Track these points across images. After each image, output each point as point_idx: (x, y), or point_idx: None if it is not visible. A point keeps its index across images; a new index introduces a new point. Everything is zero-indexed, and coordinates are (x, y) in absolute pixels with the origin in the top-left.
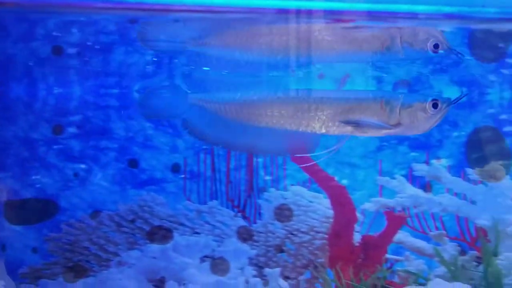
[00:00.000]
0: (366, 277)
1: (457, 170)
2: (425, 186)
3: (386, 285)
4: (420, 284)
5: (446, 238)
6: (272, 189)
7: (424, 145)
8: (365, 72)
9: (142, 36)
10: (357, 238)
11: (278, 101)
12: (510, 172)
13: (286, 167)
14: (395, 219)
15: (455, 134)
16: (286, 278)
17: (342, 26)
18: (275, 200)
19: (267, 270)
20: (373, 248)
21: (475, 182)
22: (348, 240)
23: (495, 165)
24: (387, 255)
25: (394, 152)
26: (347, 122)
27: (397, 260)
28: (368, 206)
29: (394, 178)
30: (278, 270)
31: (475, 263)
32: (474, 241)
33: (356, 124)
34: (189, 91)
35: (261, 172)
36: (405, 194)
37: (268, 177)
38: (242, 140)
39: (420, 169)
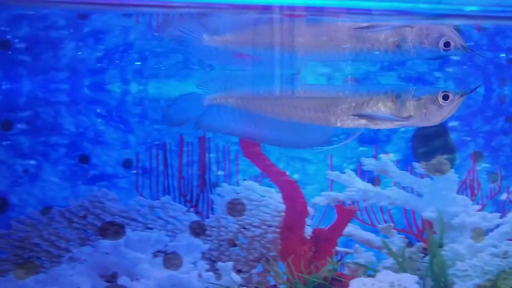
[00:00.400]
0: (317, 269)
1: (404, 164)
2: (374, 180)
3: (337, 277)
4: (369, 276)
5: (394, 231)
6: (225, 184)
7: (373, 140)
8: (315, 69)
9: (165, 27)
10: (308, 231)
11: (295, 95)
12: (455, 166)
13: (239, 163)
14: (345, 213)
15: (402, 129)
16: (238, 271)
17: (355, 26)
18: (228, 195)
19: (219, 264)
20: (323, 241)
21: (421, 176)
22: (300, 234)
23: (440, 159)
24: (338, 248)
25: (344, 147)
26: (360, 116)
27: (347, 253)
28: (319, 200)
29: (344, 173)
30: (230, 264)
31: (421, 254)
32: (420, 233)
33: (369, 118)
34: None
35: (214, 168)
36: (355, 188)
37: (220, 172)
38: (262, 131)
39: (369, 163)
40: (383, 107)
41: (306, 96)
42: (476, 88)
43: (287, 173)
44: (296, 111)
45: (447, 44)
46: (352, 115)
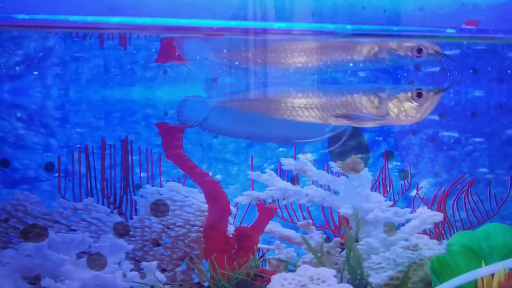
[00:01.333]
0: (240, 266)
1: (321, 163)
2: (293, 179)
3: (259, 273)
4: (290, 271)
5: (312, 227)
6: (148, 186)
7: None
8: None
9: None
10: (231, 229)
11: (284, 96)
12: (368, 165)
13: (161, 164)
14: (266, 211)
15: None
16: (163, 270)
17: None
18: (151, 196)
19: (144, 264)
20: (246, 239)
21: (337, 175)
22: (223, 232)
23: (355, 159)
24: (259, 245)
25: (264, 148)
26: (338, 116)
27: (268, 249)
28: (241, 199)
29: (264, 173)
30: (155, 263)
31: (339, 249)
32: (337, 228)
33: (347, 117)
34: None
35: (137, 169)
36: (275, 187)
37: (143, 174)
38: (257, 130)
39: (288, 163)
40: (361, 106)
41: (295, 96)
42: (450, 86)
43: (210, 173)
44: (289, 109)
45: (419, 51)
46: (335, 116)
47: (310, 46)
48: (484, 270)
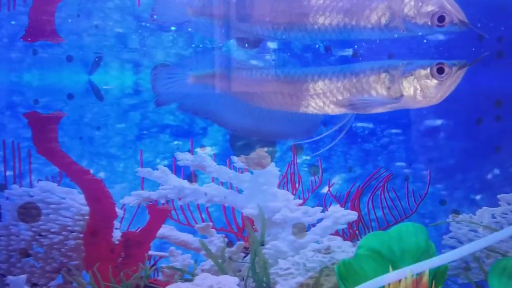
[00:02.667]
0: (127, 277)
1: (223, 158)
2: (190, 176)
3: (150, 284)
4: (186, 280)
5: (212, 230)
6: (15, 186)
7: (188, 133)
8: (119, 55)
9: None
10: (117, 235)
11: (277, 80)
12: (275, 159)
13: (32, 161)
14: (159, 213)
15: None
16: (33, 285)
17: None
18: (19, 198)
19: (10, 278)
20: (135, 245)
21: (241, 170)
22: (107, 238)
23: (260, 153)
24: (150, 252)
25: (156, 141)
26: (340, 104)
27: (161, 257)
28: (129, 200)
29: (156, 169)
30: (23, 277)
31: (242, 254)
32: (241, 231)
33: (352, 106)
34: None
35: (0, 167)
36: (169, 185)
37: (9, 172)
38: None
39: (184, 158)
40: (370, 88)
41: (286, 80)
42: (479, 59)
43: (92, 171)
44: (276, 96)
45: (441, 19)
46: (339, 105)
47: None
48: (390, 276)
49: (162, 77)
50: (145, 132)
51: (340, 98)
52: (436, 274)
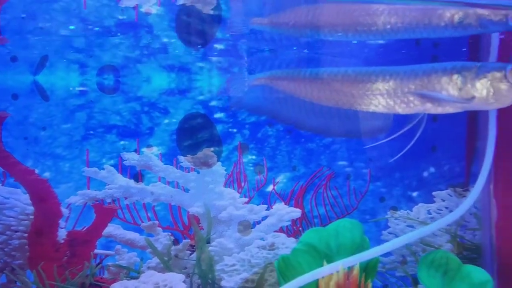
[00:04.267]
0: (73, 275)
1: (169, 158)
2: (137, 175)
3: (96, 282)
4: (132, 278)
5: (158, 228)
6: None
7: (134, 133)
8: (65, 55)
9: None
10: (62, 234)
11: (348, 78)
12: (221, 158)
13: None
14: (105, 212)
15: (166, 121)
16: None
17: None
18: None
19: None
20: (80, 244)
21: (187, 170)
22: (52, 238)
23: (206, 152)
24: (96, 250)
25: (102, 141)
26: (420, 95)
27: (107, 255)
28: (75, 199)
29: (102, 169)
30: None
31: (188, 252)
32: (187, 229)
33: (429, 99)
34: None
35: None
36: (115, 185)
37: None
38: (311, 120)
39: (131, 158)
40: (441, 89)
41: (356, 79)
42: None
43: (37, 171)
44: (346, 95)
45: None
46: (411, 93)
47: (380, 8)
48: (324, 270)
49: (237, 82)
50: (91, 132)
51: (411, 98)
52: (368, 267)
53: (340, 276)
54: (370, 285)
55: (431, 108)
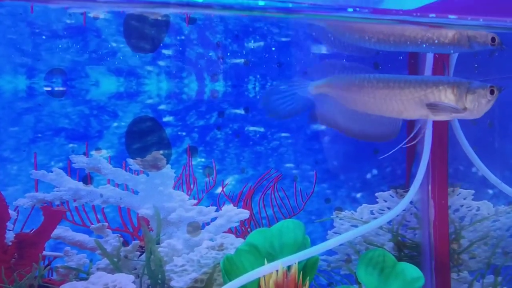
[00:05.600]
0: (21, 277)
1: (118, 160)
2: (86, 178)
3: (44, 284)
4: (82, 279)
5: (108, 230)
6: None
7: (83, 136)
8: (12, 58)
9: None
10: (10, 236)
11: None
12: (171, 161)
13: None
14: (53, 214)
15: (115, 124)
16: None
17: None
18: None
19: None
20: (29, 246)
21: (137, 172)
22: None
23: (156, 155)
24: (45, 252)
25: (50, 144)
26: (433, 106)
27: (56, 257)
28: (23, 202)
29: (51, 171)
30: None
31: (138, 253)
32: (136, 231)
33: (434, 107)
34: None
35: None
36: (64, 187)
37: None
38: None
39: (79, 161)
40: (445, 98)
41: (382, 86)
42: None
43: None
44: (376, 101)
45: (493, 40)
46: (427, 104)
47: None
48: (264, 269)
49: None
50: (39, 135)
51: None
52: (307, 265)
53: (279, 275)
54: (307, 283)
55: (429, 115)
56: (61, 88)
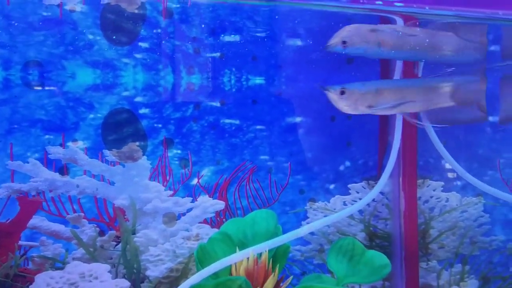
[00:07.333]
0: None
1: (95, 152)
2: (62, 169)
3: (20, 273)
4: (58, 268)
5: (84, 220)
6: None
7: (59, 127)
8: None
9: None
10: None
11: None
12: (147, 153)
13: None
14: (29, 204)
15: (91, 116)
16: None
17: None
18: None
19: None
20: (4, 236)
21: (113, 163)
22: None
23: (132, 146)
24: (21, 242)
25: (27, 135)
26: None
27: (31, 246)
28: None
29: (27, 162)
30: None
31: (114, 243)
32: (113, 221)
33: None
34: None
35: None
36: (40, 178)
37: None
38: None
39: (56, 152)
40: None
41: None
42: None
43: None
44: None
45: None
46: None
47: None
48: (236, 256)
49: None
50: (15, 126)
51: None
52: (277, 253)
53: (249, 262)
54: (277, 270)
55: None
56: (37, 80)
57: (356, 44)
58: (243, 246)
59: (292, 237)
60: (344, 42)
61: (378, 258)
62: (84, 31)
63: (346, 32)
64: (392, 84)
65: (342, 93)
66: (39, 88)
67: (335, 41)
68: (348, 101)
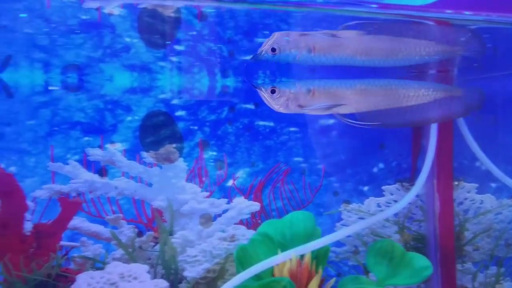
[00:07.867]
0: (39, 266)
1: (132, 153)
2: (101, 170)
3: (62, 273)
4: (98, 269)
5: (123, 221)
6: None
7: (98, 130)
8: (29, 54)
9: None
10: (28, 227)
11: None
12: (183, 155)
13: None
14: (70, 205)
15: (129, 118)
16: None
17: None
18: None
19: None
20: (46, 236)
21: (150, 165)
22: (18, 230)
23: (169, 148)
24: (62, 242)
25: (66, 137)
26: None
27: (72, 247)
28: (40, 193)
29: (67, 164)
30: None
31: (152, 243)
32: (150, 222)
33: None
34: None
35: None
36: (80, 179)
37: None
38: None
39: (95, 153)
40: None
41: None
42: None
43: (2, 166)
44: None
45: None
46: None
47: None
48: (278, 258)
49: None
50: (56, 128)
51: None
52: (319, 255)
53: (293, 263)
54: (321, 271)
55: None
56: (76, 83)
57: (286, 51)
58: (282, 247)
59: (334, 238)
60: (273, 50)
61: (419, 259)
62: (122, 34)
63: (274, 38)
64: (326, 85)
65: (273, 92)
66: (78, 91)
67: (263, 49)
68: (279, 100)
